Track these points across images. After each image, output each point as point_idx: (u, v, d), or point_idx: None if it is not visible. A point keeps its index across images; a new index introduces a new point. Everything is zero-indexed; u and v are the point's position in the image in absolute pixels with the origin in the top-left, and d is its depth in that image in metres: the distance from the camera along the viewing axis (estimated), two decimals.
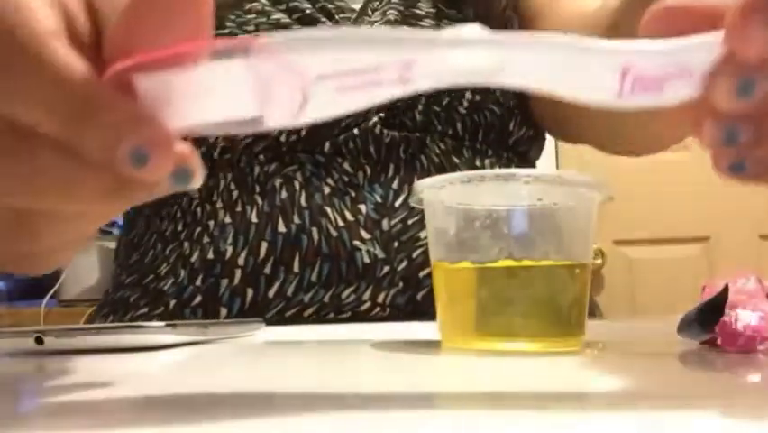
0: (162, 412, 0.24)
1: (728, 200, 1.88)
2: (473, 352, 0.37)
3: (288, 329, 0.54)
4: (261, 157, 0.62)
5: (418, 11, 0.68)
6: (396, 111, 0.64)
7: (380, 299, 0.59)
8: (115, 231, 1.50)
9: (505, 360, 0.35)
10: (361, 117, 0.63)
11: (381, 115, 0.63)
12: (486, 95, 0.66)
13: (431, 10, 0.69)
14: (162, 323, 0.40)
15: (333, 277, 0.59)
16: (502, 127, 0.67)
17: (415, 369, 0.33)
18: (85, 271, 1.66)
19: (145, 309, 0.62)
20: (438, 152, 0.64)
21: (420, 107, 0.64)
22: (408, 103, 0.64)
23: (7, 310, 1.68)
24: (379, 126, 0.63)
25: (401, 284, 0.59)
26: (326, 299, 0.59)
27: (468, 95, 0.65)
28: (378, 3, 0.69)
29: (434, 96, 0.65)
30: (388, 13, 0.67)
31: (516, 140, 0.68)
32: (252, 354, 0.41)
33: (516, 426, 0.21)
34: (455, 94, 0.65)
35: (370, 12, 0.68)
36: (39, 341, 0.38)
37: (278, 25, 0.65)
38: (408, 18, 0.68)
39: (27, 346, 0.38)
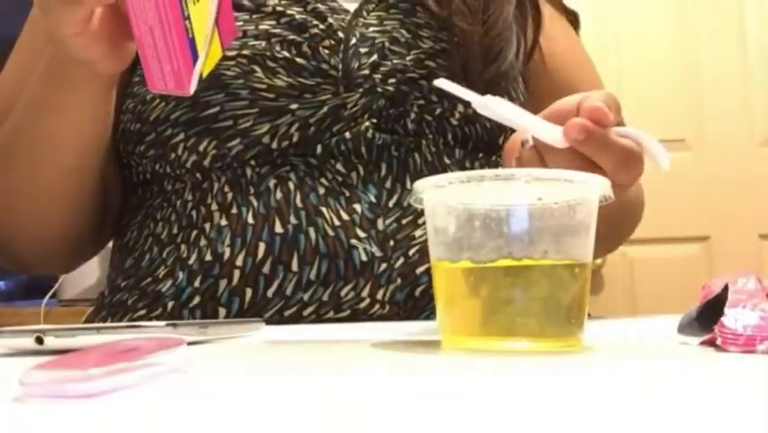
0: (162, 412, 0.24)
1: (728, 200, 1.88)
2: (473, 352, 0.37)
3: (288, 329, 0.54)
4: (253, 162, 0.63)
5: (418, 20, 0.68)
6: (387, 118, 0.64)
7: (379, 295, 0.60)
8: None
9: (505, 360, 0.35)
10: (352, 122, 0.63)
11: (373, 120, 0.64)
12: None
13: (430, 21, 0.68)
14: (162, 323, 0.40)
15: (332, 275, 0.59)
16: (492, 140, 0.67)
17: (415, 369, 0.33)
18: (85, 270, 1.65)
19: (143, 311, 0.62)
20: (430, 152, 0.65)
21: (412, 116, 0.65)
22: (401, 111, 0.64)
23: (7, 310, 1.68)
24: (371, 131, 0.63)
25: (399, 281, 0.60)
26: (325, 297, 0.59)
27: (460, 107, 0.65)
28: (373, 6, 0.68)
29: (427, 106, 0.65)
30: (385, 22, 0.67)
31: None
32: (252, 354, 0.41)
33: (516, 425, 0.21)
34: (448, 105, 0.65)
35: (365, 14, 0.68)
36: (39, 341, 0.38)
37: (267, 34, 0.65)
38: (408, 26, 0.67)
39: (27, 346, 0.38)
